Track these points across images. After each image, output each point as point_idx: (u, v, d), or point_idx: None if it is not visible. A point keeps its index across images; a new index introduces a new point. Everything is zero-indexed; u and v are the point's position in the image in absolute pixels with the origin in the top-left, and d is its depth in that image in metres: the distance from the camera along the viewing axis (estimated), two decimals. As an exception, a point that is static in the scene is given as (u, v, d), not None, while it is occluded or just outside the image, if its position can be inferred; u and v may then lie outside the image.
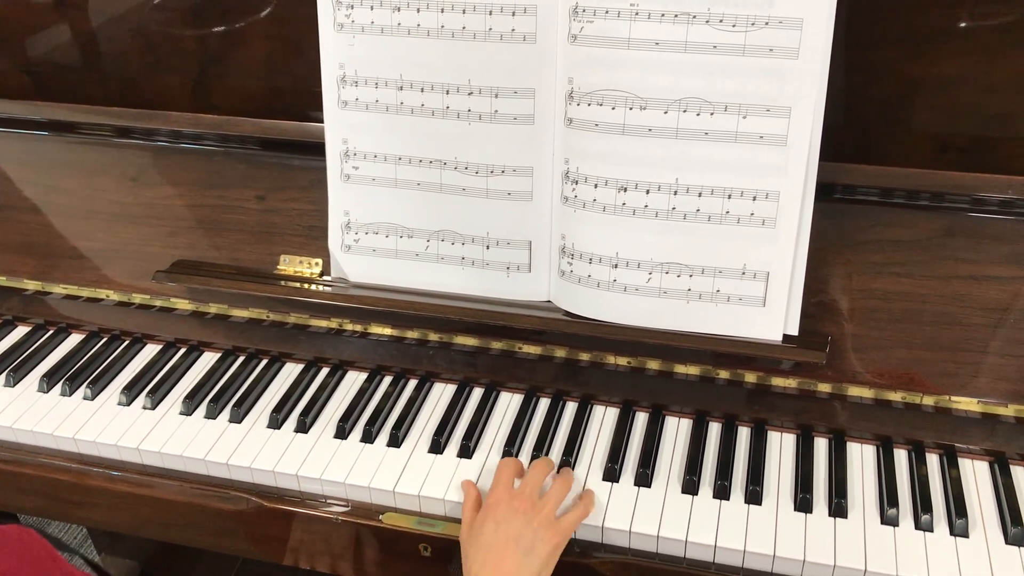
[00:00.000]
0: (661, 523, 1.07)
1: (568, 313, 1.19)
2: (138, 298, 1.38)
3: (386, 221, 1.24)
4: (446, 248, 1.23)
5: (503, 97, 1.13)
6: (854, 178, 1.11)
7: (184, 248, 1.35)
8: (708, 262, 1.11)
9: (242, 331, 1.37)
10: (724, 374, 1.19)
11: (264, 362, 1.36)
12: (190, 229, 1.35)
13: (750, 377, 1.18)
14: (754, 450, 1.16)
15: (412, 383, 1.31)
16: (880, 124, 1.16)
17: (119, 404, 1.30)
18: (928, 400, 1.12)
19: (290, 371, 1.34)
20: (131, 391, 1.31)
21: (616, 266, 1.14)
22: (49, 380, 1.34)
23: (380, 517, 1.15)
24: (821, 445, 1.17)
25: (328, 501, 1.17)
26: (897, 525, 1.06)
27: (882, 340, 1.13)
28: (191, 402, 1.28)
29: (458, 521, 1.11)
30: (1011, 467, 1.12)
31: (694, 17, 1.02)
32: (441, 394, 1.29)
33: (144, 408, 1.29)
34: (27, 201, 1.42)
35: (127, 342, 1.42)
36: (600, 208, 1.12)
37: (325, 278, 1.29)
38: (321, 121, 1.22)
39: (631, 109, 1.07)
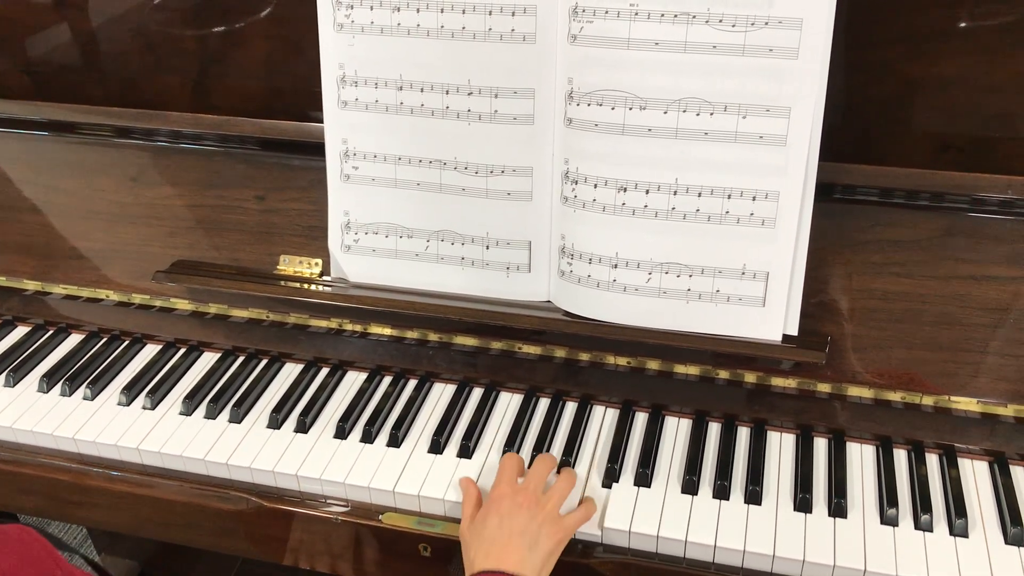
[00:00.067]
0: (661, 523, 1.07)
1: (568, 313, 1.19)
2: (138, 298, 1.38)
3: (386, 221, 1.24)
4: (446, 248, 1.23)
5: (503, 97, 1.13)
6: (854, 178, 1.11)
7: (184, 248, 1.35)
8: (708, 262, 1.11)
9: (242, 331, 1.37)
10: (724, 374, 1.19)
11: (264, 362, 1.36)
12: (190, 229, 1.35)
13: (750, 377, 1.18)
14: (754, 450, 1.16)
15: (412, 383, 1.31)
16: (880, 124, 1.16)
17: (119, 404, 1.30)
18: (928, 400, 1.12)
19: (290, 371, 1.34)
20: (131, 391, 1.31)
21: (616, 266, 1.14)
22: (49, 380, 1.34)
23: (380, 517, 1.15)
24: (821, 445, 1.17)
25: (328, 501, 1.17)
26: (897, 525, 1.06)
27: (882, 340, 1.13)
28: (191, 402, 1.28)
29: (458, 521, 1.11)
30: (1011, 467, 1.12)
31: (694, 17, 1.02)
32: (441, 394, 1.29)
33: (144, 408, 1.29)
34: (27, 201, 1.42)
35: (127, 342, 1.42)
36: (600, 208, 1.12)
37: (325, 278, 1.29)
38: (321, 121, 1.22)
39: (631, 109, 1.07)
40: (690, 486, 1.12)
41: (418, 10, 1.12)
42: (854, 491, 1.10)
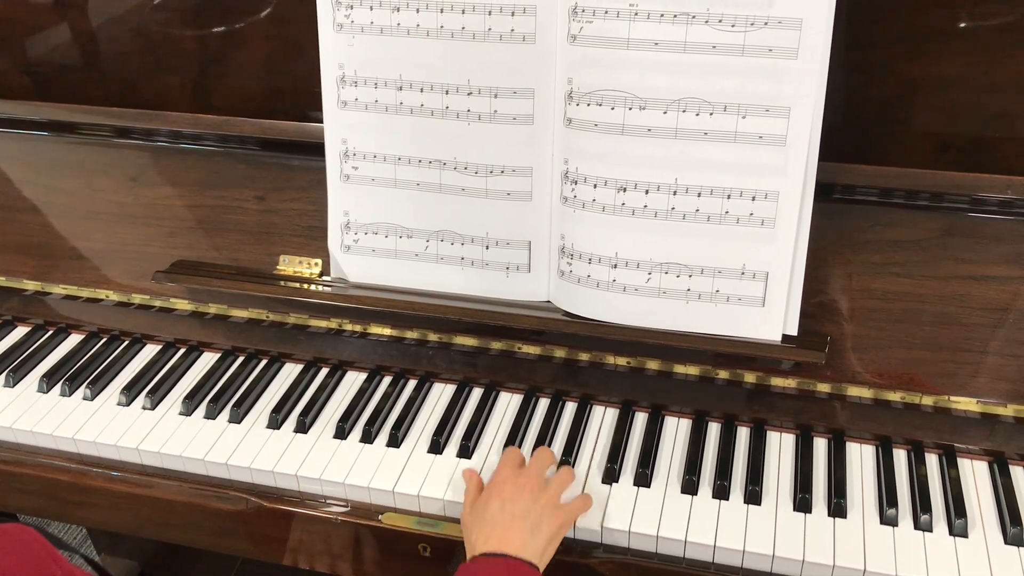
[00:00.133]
0: (660, 523, 1.07)
1: (567, 313, 1.19)
2: (138, 298, 1.38)
3: (385, 221, 1.24)
4: (445, 248, 1.23)
5: (502, 97, 1.13)
6: (853, 178, 1.11)
7: (184, 248, 1.35)
8: (707, 262, 1.11)
9: (242, 331, 1.37)
10: (723, 374, 1.19)
11: (264, 362, 1.36)
12: (190, 229, 1.35)
13: (749, 377, 1.18)
14: (753, 450, 1.16)
15: (412, 383, 1.31)
16: (880, 124, 1.16)
17: (119, 404, 1.30)
18: (927, 400, 1.12)
19: (290, 371, 1.34)
20: (131, 391, 1.31)
21: (615, 266, 1.14)
22: (49, 380, 1.34)
23: (379, 517, 1.15)
24: (820, 445, 1.17)
25: (327, 501, 1.17)
26: (896, 525, 1.06)
27: (881, 340, 1.13)
28: (191, 402, 1.28)
29: (458, 521, 1.11)
30: (1010, 467, 1.12)
31: (693, 17, 1.02)
32: (440, 394, 1.29)
33: (144, 408, 1.29)
34: (27, 201, 1.42)
35: (127, 342, 1.42)
36: (599, 208, 1.12)
37: (325, 278, 1.29)
38: (321, 121, 1.22)
39: (630, 109, 1.07)
40: (690, 486, 1.12)
41: (418, 10, 1.12)
42: (854, 491, 1.10)
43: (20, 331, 1.46)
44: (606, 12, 1.04)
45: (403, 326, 1.28)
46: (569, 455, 1.17)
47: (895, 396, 1.13)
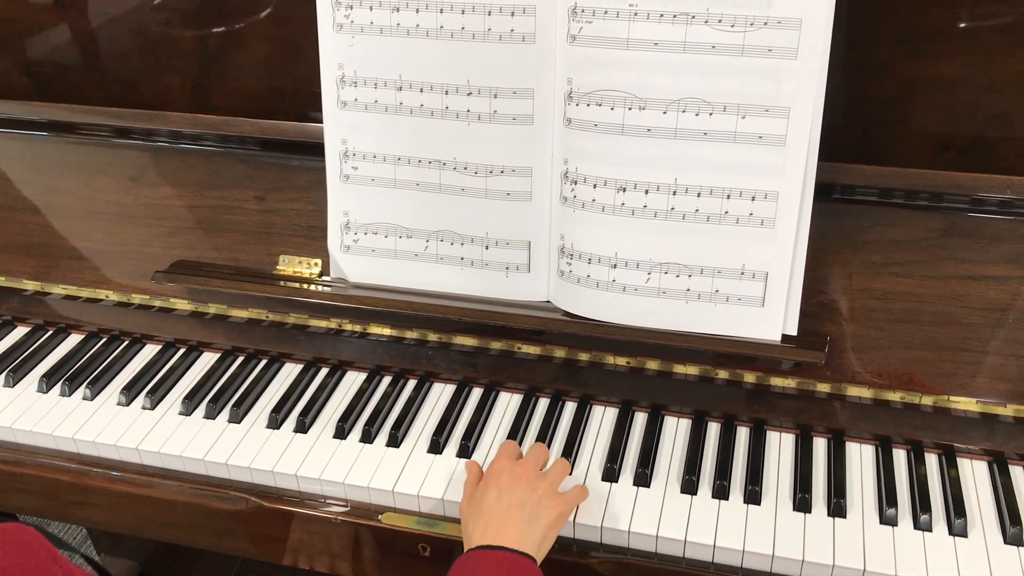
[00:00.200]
0: (660, 523, 1.07)
1: (567, 313, 1.19)
2: (137, 298, 1.38)
3: (385, 221, 1.24)
4: (445, 248, 1.23)
5: (502, 97, 1.13)
6: (853, 178, 1.11)
7: (183, 248, 1.35)
8: (707, 262, 1.11)
9: (241, 331, 1.37)
10: (723, 374, 1.19)
11: (263, 362, 1.36)
12: (189, 229, 1.35)
13: (749, 377, 1.18)
14: (753, 450, 1.16)
15: (411, 383, 1.31)
16: (880, 124, 1.16)
17: (118, 404, 1.30)
18: (927, 400, 1.12)
19: (289, 371, 1.34)
20: (130, 391, 1.31)
21: (615, 266, 1.14)
22: (48, 380, 1.34)
23: (379, 517, 1.15)
24: (820, 445, 1.17)
25: (327, 501, 1.17)
26: (896, 525, 1.06)
27: (881, 340, 1.13)
28: (190, 402, 1.28)
29: (457, 521, 1.11)
30: (1010, 467, 1.12)
31: (693, 17, 1.02)
32: (440, 394, 1.29)
33: (143, 408, 1.29)
34: (27, 201, 1.42)
35: (126, 342, 1.42)
36: (599, 208, 1.12)
37: (324, 278, 1.29)
38: (320, 121, 1.22)
39: (630, 109, 1.07)
40: (689, 486, 1.12)
41: (417, 10, 1.12)
42: (853, 491, 1.10)
43: (20, 331, 1.46)
44: (606, 12, 1.04)
45: (403, 326, 1.28)
46: (569, 455, 1.16)
47: (895, 396, 1.13)
